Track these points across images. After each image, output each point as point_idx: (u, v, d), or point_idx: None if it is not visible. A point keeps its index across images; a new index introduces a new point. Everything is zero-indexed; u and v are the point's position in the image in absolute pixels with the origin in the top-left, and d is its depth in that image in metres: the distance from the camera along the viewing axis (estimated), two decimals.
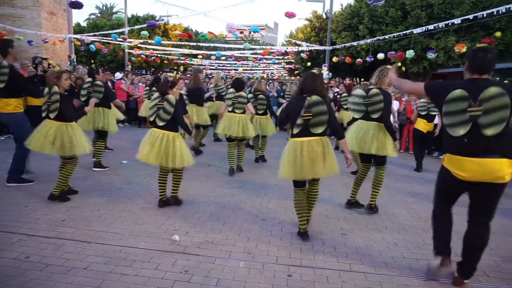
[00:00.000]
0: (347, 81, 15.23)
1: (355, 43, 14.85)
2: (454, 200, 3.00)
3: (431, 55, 12.16)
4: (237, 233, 3.81)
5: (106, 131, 6.07)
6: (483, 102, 2.62)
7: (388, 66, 4.56)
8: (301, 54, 19.01)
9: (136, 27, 17.77)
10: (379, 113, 4.28)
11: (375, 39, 13.76)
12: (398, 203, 5.11)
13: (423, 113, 7.04)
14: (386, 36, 13.02)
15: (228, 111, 6.01)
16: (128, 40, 18.88)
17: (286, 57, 25.72)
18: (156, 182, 4.58)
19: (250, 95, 6.87)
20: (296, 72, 25.99)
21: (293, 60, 24.39)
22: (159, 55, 24.26)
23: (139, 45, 19.27)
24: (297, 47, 18.70)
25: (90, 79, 6.01)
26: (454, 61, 13.42)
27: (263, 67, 31.91)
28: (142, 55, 23.58)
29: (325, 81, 15.60)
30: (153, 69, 29.19)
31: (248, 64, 28.96)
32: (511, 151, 2.64)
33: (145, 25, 14.96)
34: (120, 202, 4.54)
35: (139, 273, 2.95)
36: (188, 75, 13.60)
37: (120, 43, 18.89)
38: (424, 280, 3.04)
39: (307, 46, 17.49)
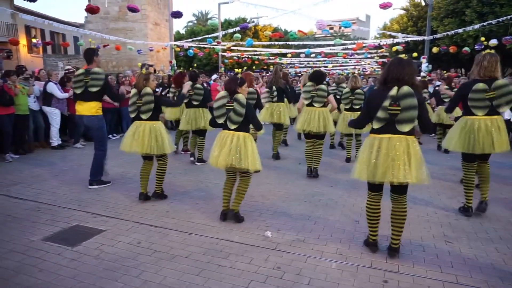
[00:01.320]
0: (450, 73, 13.80)
1: (460, 30, 13.36)
2: None
3: None
4: (329, 233, 3.74)
5: (205, 130, 6.55)
6: None
7: (488, 51, 4.03)
8: (397, 47, 17.82)
9: (229, 30, 18.63)
10: (509, 106, 3.91)
11: (486, 23, 12.19)
12: None
13: None
14: (501, 19, 11.42)
15: (306, 105, 5.68)
16: (221, 43, 19.94)
17: (379, 51, 24.40)
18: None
19: (346, 90, 6.70)
20: None
21: (387, 54, 23.04)
22: (249, 56, 25.08)
23: (231, 47, 20.21)
24: (391, 39, 17.57)
25: (191, 82, 6.51)
26: None
27: (354, 62, 30.72)
28: (234, 57, 24.65)
29: (424, 74, 14.40)
30: (245, 69, 30.35)
31: (338, 61, 28.18)
32: None
33: (238, 28, 15.58)
34: (216, 197, 4.81)
35: (234, 265, 3.09)
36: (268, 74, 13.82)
37: (214, 46, 20.04)
38: None
39: (403, 37, 16.31)
